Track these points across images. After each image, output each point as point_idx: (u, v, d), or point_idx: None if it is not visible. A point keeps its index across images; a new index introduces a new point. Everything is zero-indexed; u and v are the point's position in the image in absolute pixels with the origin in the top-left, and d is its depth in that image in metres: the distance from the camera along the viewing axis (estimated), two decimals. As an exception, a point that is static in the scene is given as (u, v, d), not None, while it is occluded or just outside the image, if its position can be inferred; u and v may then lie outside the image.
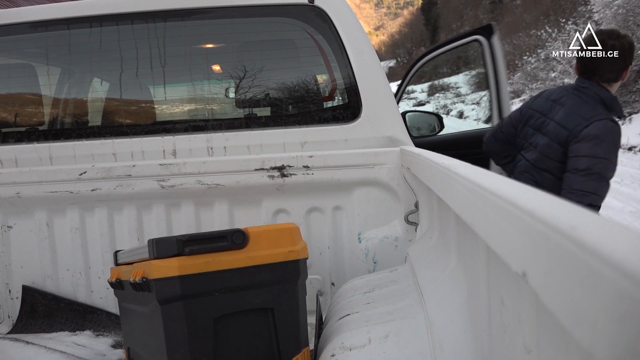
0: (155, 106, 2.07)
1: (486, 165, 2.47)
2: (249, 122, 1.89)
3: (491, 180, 0.62)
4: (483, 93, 18.75)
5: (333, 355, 0.96)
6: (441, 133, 3.12)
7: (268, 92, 1.93)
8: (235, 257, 1.17)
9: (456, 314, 0.86)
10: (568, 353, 0.44)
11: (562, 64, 15.77)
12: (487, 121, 2.76)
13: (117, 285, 1.43)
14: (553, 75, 16.38)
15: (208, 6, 1.88)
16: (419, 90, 33.35)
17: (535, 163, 1.99)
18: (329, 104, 1.99)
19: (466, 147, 2.81)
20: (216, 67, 2.09)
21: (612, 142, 1.82)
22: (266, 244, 1.21)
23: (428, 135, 3.08)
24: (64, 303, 1.91)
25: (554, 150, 1.92)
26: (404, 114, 2.72)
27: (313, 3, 1.83)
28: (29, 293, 1.91)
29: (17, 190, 1.86)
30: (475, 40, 2.63)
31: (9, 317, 1.95)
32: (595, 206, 1.82)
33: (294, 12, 1.85)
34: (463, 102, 25.30)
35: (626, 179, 7.29)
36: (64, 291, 1.93)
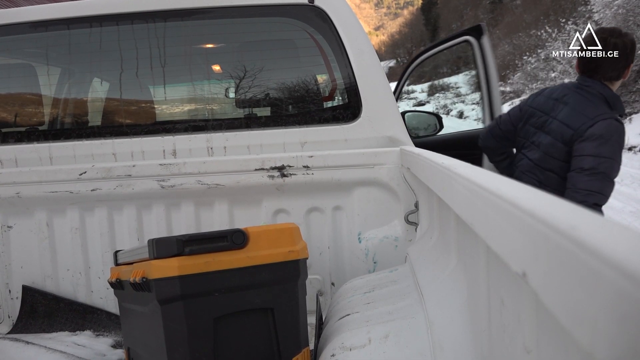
0: (155, 106, 2.07)
1: (479, 164, 2.47)
2: (249, 122, 1.89)
3: (491, 180, 0.62)
4: (483, 93, 18.70)
5: (333, 355, 0.96)
6: (440, 133, 3.12)
7: (268, 92, 1.93)
8: (235, 257, 1.17)
9: (456, 314, 0.86)
10: (568, 353, 0.44)
11: (562, 64, 15.78)
12: (484, 121, 2.75)
13: (117, 285, 1.43)
14: (553, 75, 16.39)
15: (208, 6, 1.88)
16: (419, 90, 33.34)
17: (539, 163, 1.99)
18: (329, 104, 1.99)
19: (464, 148, 2.81)
20: (216, 67, 2.09)
21: (617, 142, 1.82)
22: (266, 244, 1.21)
23: (427, 135, 3.08)
24: (64, 303, 1.91)
25: (558, 150, 1.91)
26: (402, 114, 2.72)
27: (313, 3, 1.83)
28: (29, 293, 1.91)
29: (17, 190, 1.86)
30: (465, 41, 2.64)
31: (9, 317, 1.95)
32: (600, 206, 1.82)
33: (294, 12, 1.85)
34: (463, 102, 25.29)
35: (626, 179, 7.30)
36: (64, 291, 1.93)
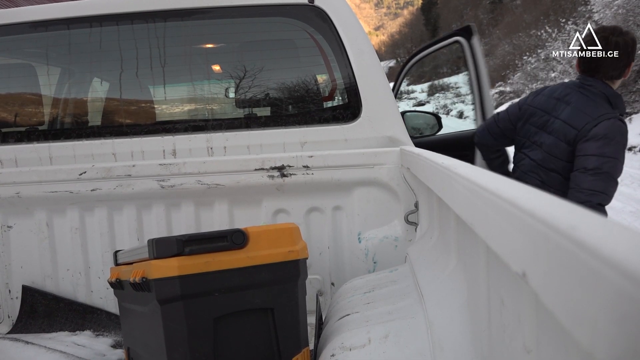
0: (155, 106, 2.07)
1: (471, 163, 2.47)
2: (249, 122, 1.89)
3: (491, 180, 0.62)
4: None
5: (333, 355, 0.96)
6: (439, 133, 3.12)
7: (268, 92, 1.93)
8: (235, 257, 1.17)
9: (456, 314, 0.86)
10: (568, 353, 0.44)
11: (562, 64, 15.79)
12: (476, 120, 2.76)
13: (117, 285, 1.43)
14: (553, 75, 16.40)
15: (208, 6, 1.88)
16: (419, 90, 33.36)
17: (541, 163, 1.98)
18: (329, 104, 1.99)
19: (464, 148, 2.81)
20: (216, 67, 2.09)
21: (620, 142, 1.82)
22: (266, 244, 1.21)
23: (427, 135, 3.08)
24: (64, 303, 1.91)
25: (562, 150, 1.90)
26: (402, 114, 2.72)
27: (313, 3, 1.83)
28: (28, 293, 1.91)
29: (17, 190, 1.86)
30: (456, 41, 2.64)
31: (8, 317, 1.95)
32: (603, 205, 1.81)
33: (294, 12, 1.85)
34: (463, 102, 25.30)
35: (626, 179, 7.30)
36: (63, 291, 1.93)
